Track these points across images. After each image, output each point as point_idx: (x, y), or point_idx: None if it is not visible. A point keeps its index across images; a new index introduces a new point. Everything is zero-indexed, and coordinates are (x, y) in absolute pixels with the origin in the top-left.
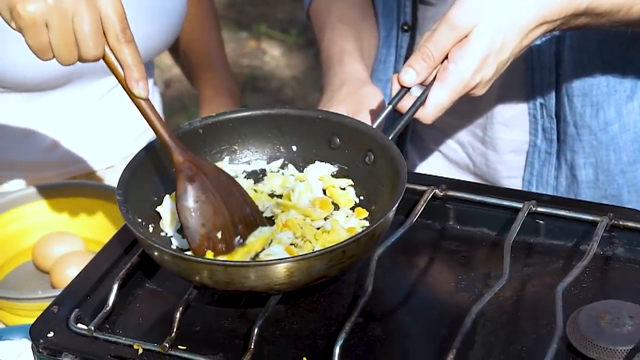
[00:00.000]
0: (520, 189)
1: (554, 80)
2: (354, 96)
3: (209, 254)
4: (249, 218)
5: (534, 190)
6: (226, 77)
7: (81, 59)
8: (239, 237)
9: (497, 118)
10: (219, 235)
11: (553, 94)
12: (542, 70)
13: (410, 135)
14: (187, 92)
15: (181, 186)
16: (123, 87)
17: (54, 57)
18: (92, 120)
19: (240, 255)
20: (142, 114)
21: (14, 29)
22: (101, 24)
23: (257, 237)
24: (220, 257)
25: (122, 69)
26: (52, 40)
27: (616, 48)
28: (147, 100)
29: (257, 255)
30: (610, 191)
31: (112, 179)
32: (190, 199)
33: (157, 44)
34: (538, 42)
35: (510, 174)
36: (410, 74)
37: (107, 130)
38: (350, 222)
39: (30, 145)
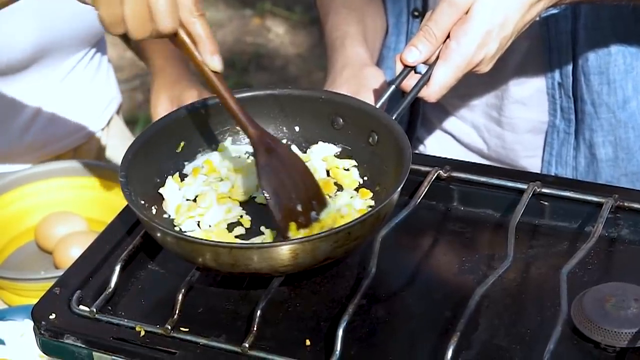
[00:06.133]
0: (539, 168)
1: (570, 59)
2: (355, 78)
3: (292, 227)
4: (319, 194)
5: (553, 170)
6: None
7: (154, 34)
8: (314, 212)
9: (513, 97)
10: (299, 207)
11: (570, 73)
12: (560, 49)
13: (421, 120)
14: None
15: (262, 158)
16: (193, 61)
17: (124, 30)
18: (56, 102)
19: (317, 230)
20: (212, 88)
21: (84, 2)
22: None
23: (329, 214)
24: (301, 230)
25: (196, 43)
26: (127, 13)
27: (631, 25)
28: (219, 74)
29: None
30: (630, 168)
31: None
32: (273, 171)
33: None
34: (554, 20)
35: (528, 153)
36: (413, 53)
37: (71, 111)
38: (355, 203)
39: None
